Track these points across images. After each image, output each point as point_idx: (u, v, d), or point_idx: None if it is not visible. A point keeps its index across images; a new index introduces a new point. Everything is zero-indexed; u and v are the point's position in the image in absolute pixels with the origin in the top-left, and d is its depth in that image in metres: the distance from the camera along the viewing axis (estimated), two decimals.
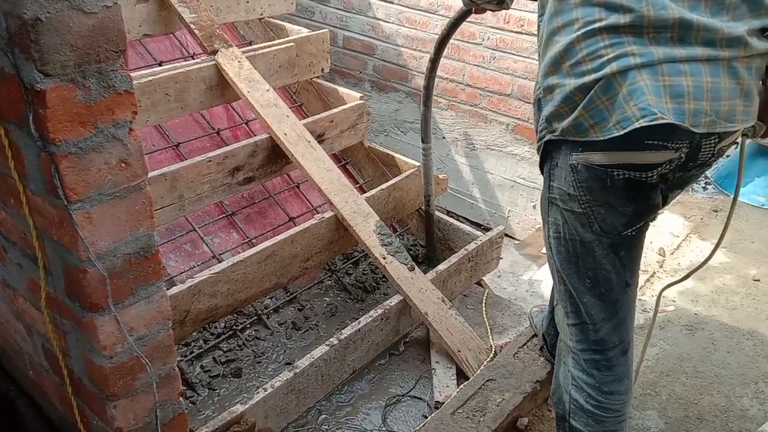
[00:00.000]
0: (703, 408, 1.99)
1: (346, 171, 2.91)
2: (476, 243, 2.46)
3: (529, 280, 2.93)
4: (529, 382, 1.93)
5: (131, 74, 1.08)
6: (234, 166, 2.30)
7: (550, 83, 1.24)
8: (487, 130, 3.54)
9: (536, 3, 1.36)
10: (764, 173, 3.12)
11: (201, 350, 2.11)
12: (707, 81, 1.13)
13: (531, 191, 3.46)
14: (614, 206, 1.27)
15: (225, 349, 2.15)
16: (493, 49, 3.32)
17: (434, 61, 2.26)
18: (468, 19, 2.07)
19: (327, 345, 1.94)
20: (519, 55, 3.24)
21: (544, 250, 3.26)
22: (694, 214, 3.02)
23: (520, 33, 3.20)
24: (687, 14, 1.13)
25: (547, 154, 1.34)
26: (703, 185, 3.27)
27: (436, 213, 2.82)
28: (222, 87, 2.44)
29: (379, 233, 2.24)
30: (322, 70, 2.88)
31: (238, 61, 2.44)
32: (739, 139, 1.35)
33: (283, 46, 2.66)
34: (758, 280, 2.57)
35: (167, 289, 1.38)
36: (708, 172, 3.30)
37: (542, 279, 2.87)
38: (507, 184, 3.56)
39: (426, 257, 2.71)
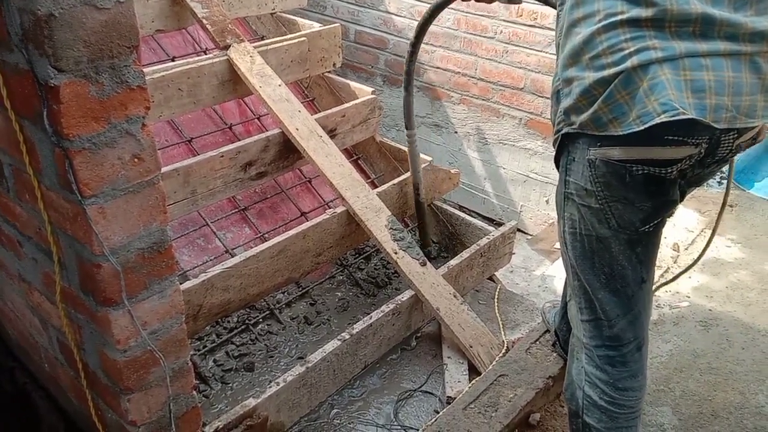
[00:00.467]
0: (718, 405, 1.97)
1: (358, 166, 2.91)
2: (488, 238, 2.45)
3: (542, 275, 2.92)
4: (542, 378, 1.92)
5: (144, 69, 1.09)
6: (246, 161, 2.31)
7: (569, 75, 1.23)
8: (499, 125, 3.52)
9: None
10: None
11: (214, 344, 2.12)
12: (729, 76, 1.11)
13: (544, 186, 3.44)
14: (632, 202, 1.25)
15: (238, 343, 2.16)
16: (505, 43, 3.30)
17: (414, 45, 2.25)
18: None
19: (339, 339, 1.94)
20: (532, 49, 3.22)
21: (557, 246, 3.24)
22: (708, 209, 2.98)
23: (533, 26, 3.17)
24: (710, 9, 1.11)
25: (564, 147, 1.32)
26: (719, 180, 3.23)
27: (449, 208, 2.82)
28: (234, 82, 2.45)
29: (391, 228, 2.24)
30: (334, 64, 2.88)
31: (250, 56, 2.45)
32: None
33: (295, 40, 2.66)
34: None
35: (180, 284, 1.38)
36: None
37: (555, 274, 2.86)
38: (520, 178, 3.54)
39: (423, 246, 2.68)
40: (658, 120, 1.11)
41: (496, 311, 2.38)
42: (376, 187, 2.54)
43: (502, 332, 2.26)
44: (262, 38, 3.02)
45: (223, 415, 1.65)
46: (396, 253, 2.18)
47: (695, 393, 2.02)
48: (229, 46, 2.44)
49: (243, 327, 2.21)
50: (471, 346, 2.08)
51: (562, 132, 1.29)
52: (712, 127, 1.12)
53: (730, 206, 3.03)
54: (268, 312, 2.29)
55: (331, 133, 2.54)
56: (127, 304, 1.19)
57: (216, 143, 2.55)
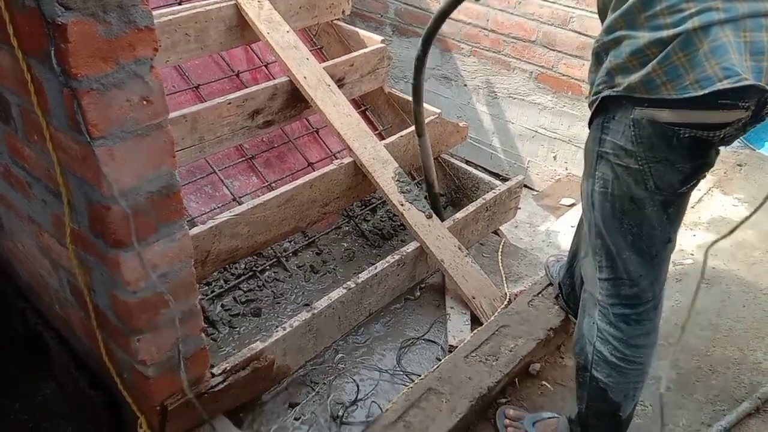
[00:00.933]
0: (716, 360, 2.00)
1: (366, 117, 2.88)
2: (494, 192, 2.45)
3: (546, 230, 2.92)
4: (543, 329, 1.95)
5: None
6: (254, 108, 2.29)
7: (619, 35, 1.19)
8: (509, 78, 3.47)
9: None
10: None
11: (222, 290, 2.16)
12: None
13: (552, 142, 3.41)
14: (673, 163, 1.23)
15: (245, 289, 2.19)
16: None
17: (421, 59, 2.06)
18: None
19: (344, 288, 1.97)
20: (545, 0, 3.14)
21: (562, 202, 3.24)
22: (717, 167, 2.94)
23: None
24: None
25: (602, 107, 1.28)
26: None
27: (456, 161, 2.81)
28: (242, 28, 2.41)
29: (398, 180, 2.24)
30: (343, 12, 2.82)
31: (258, 1, 2.40)
32: None
33: None
34: None
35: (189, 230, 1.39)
36: None
37: (559, 230, 2.86)
38: (528, 134, 3.52)
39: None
40: (719, 86, 1.08)
41: (500, 264, 2.40)
42: (383, 138, 2.52)
43: (505, 285, 2.28)
44: None
45: (231, 357, 1.69)
46: (402, 205, 2.18)
47: (694, 348, 2.05)
48: None
49: (250, 273, 2.24)
50: (474, 298, 2.10)
51: (603, 94, 1.25)
52: (763, 89, 1.10)
53: (740, 165, 3.01)
54: (275, 260, 2.32)
55: (339, 83, 2.52)
56: (137, 247, 1.20)
57: (223, 90, 2.53)
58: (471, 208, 2.36)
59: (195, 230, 1.89)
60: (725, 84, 1.08)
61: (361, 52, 2.66)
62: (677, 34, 1.11)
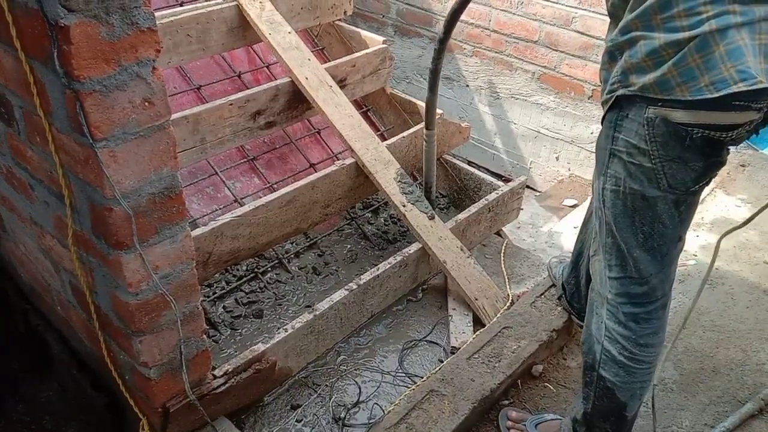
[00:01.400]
0: (719, 361, 2.00)
1: (368, 118, 2.88)
2: (497, 193, 2.45)
3: (549, 231, 2.92)
4: (546, 331, 1.94)
5: None
6: (255, 110, 2.29)
7: (635, 35, 1.20)
8: (512, 79, 3.47)
9: None
10: None
11: (223, 291, 2.15)
12: None
13: (554, 142, 3.41)
14: (686, 161, 1.23)
15: (247, 290, 2.19)
16: None
17: (443, 41, 1.99)
18: None
19: (346, 289, 1.96)
20: (548, 1, 3.14)
21: (565, 203, 3.23)
22: None
23: None
24: None
25: (616, 105, 1.29)
26: None
27: (458, 162, 2.80)
28: (243, 29, 2.41)
29: (400, 181, 2.23)
30: (345, 12, 2.82)
31: (260, 2, 2.40)
32: None
33: None
34: None
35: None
36: None
37: (562, 231, 2.86)
38: (530, 134, 3.51)
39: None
40: (735, 89, 1.09)
41: (502, 265, 2.39)
42: (385, 139, 2.52)
43: (508, 286, 2.28)
44: None
45: (233, 359, 1.68)
46: (404, 206, 2.18)
47: (698, 349, 2.04)
48: None
49: (252, 275, 2.24)
50: (476, 299, 2.10)
51: (617, 93, 1.25)
52: None
53: (743, 166, 3.00)
54: (276, 261, 2.31)
55: (341, 83, 2.51)
56: (139, 248, 1.20)
57: (225, 91, 2.53)
58: (473, 209, 2.36)
59: (197, 231, 1.89)
60: (741, 87, 1.08)
61: (363, 52, 2.65)
62: (694, 36, 1.12)
